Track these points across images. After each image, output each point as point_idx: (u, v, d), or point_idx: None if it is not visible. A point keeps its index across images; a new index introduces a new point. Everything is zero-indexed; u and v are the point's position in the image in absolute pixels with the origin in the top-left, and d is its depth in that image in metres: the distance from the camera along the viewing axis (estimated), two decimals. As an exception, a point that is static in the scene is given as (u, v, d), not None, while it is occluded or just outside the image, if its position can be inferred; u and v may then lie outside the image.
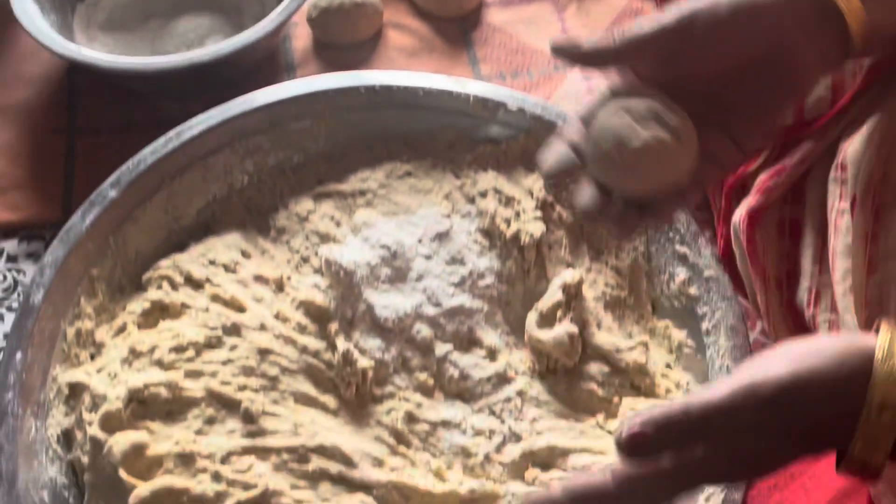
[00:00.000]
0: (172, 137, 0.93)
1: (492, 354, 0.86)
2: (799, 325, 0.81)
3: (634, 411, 0.81)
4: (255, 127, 0.96)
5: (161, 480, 0.74)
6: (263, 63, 1.14)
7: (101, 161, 1.04)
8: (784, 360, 0.55)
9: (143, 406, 0.78)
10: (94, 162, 1.05)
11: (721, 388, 0.55)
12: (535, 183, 0.95)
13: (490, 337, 0.87)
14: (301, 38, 1.19)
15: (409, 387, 0.84)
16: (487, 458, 0.80)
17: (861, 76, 0.77)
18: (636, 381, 0.84)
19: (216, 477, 0.74)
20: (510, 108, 0.98)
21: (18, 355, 0.80)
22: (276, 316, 0.85)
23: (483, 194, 0.94)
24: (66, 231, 0.87)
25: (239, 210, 0.95)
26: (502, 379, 0.84)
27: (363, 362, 0.83)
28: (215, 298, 0.86)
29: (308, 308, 0.86)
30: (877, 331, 0.55)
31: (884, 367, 0.52)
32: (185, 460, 0.75)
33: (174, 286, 0.87)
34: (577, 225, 0.95)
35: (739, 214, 0.82)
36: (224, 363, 0.81)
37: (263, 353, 0.82)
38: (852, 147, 0.75)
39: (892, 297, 0.65)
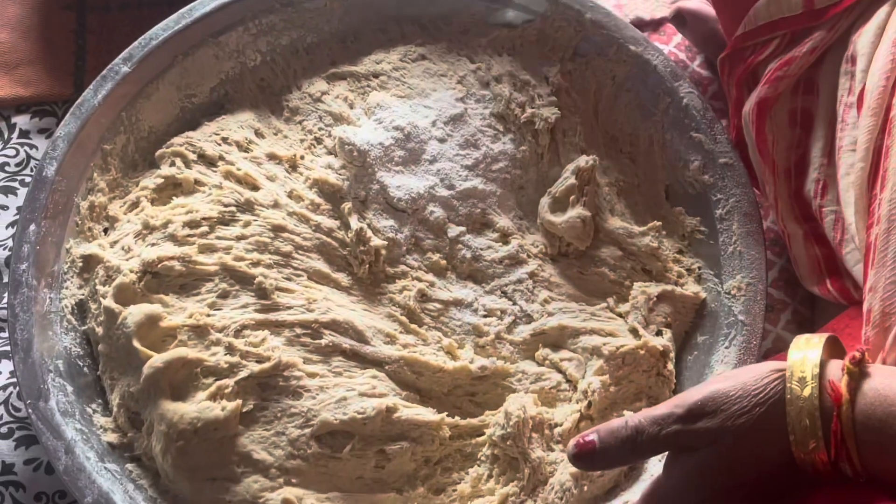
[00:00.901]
0: (185, 14, 0.92)
1: (504, 237, 0.87)
2: (807, 216, 0.81)
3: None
4: (268, 5, 0.95)
5: (175, 352, 0.74)
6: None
7: (113, 38, 1.03)
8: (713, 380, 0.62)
9: (156, 279, 0.79)
10: (105, 39, 1.04)
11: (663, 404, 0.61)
12: (551, 68, 0.94)
13: (503, 220, 0.87)
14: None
15: (421, 267, 0.84)
16: (498, 336, 0.81)
17: None
18: (648, 265, 0.85)
19: (229, 349, 0.75)
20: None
21: (32, 227, 0.80)
22: (290, 194, 0.85)
23: (498, 79, 0.93)
24: (78, 105, 0.86)
25: (252, 89, 0.95)
26: (515, 261, 0.85)
27: (376, 241, 0.83)
28: (228, 175, 0.86)
29: (321, 187, 0.86)
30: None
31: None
32: (199, 332, 0.76)
33: (187, 163, 0.87)
34: (592, 111, 0.94)
35: (749, 104, 0.81)
36: (238, 239, 0.81)
37: (277, 229, 0.82)
38: (862, 39, 0.73)
39: None
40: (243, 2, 0.94)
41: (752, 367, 0.61)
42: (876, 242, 0.65)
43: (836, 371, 0.57)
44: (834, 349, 0.60)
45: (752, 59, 0.82)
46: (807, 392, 0.56)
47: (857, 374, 0.56)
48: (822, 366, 0.57)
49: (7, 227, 0.94)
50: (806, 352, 0.58)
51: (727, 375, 0.61)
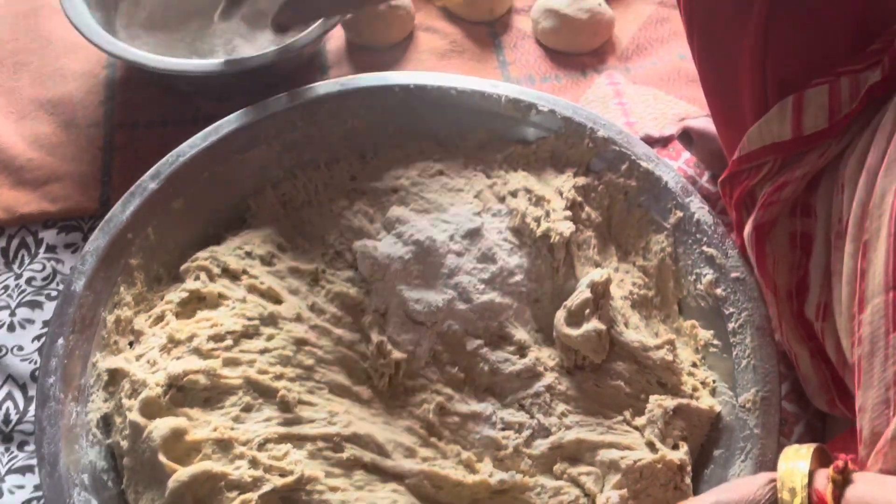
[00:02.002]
0: (211, 132, 0.95)
1: (521, 350, 0.88)
2: (810, 336, 0.83)
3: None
4: (292, 124, 0.98)
5: (200, 465, 0.75)
6: (301, 65, 1.16)
7: (138, 155, 1.06)
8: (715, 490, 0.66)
9: (181, 393, 0.80)
10: (130, 156, 1.07)
11: None
12: (565, 183, 0.97)
13: (520, 333, 0.89)
14: (335, 39, 1.22)
15: (440, 380, 0.86)
16: (517, 450, 0.82)
17: (858, 99, 0.77)
18: (663, 378, 0.86)
19: (253, 463, 0.76)
20: (541, 109, 1.00)
21: (60, 341, 0.81)
22: (312, 307, 0.87)
23: (514, 193, 0.96)
24: (107, 221, 0.89)
25: (274, 204, 0.97)
26: (532, 374, 0.86)
27: (396, 354, 0.84)
28: (252, 289, 0.88)
29: (343, 300, 0.88)
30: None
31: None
32: (223, 446, 0.77)
33: (211, 277, 0.89)
34: (605, 225, 0.97)
35: (749, 228, 0.84)
36: (261, 352, 0.83)
37: (300, 343, 0.84)
38: (849, 167, 0.76)
39: (880, 334, 0.66)
40: (269, 121, 0.97)
41: (750, 479, 0.64)
42: (860, 363, 0.67)
43: (823, 480, 0.61)
44: (822, 459, 0.64)
45: (748, 182, 0.85)
46: (796, 502, 0.60)
47: (842, 482, 0.60)
48: (811, 476, 0.61)
49: (33, 341, 0.96)
50: (795, 462, 0.62)
51: (728, 487, 0.65)
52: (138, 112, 1.12)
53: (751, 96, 0.85)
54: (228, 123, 0.96)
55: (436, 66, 1.20)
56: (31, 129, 1.10)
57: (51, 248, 1.01)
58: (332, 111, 1.00)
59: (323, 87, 1.00)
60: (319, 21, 1.09)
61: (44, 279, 0.99)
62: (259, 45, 1.18)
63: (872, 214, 0.70)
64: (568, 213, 0.94)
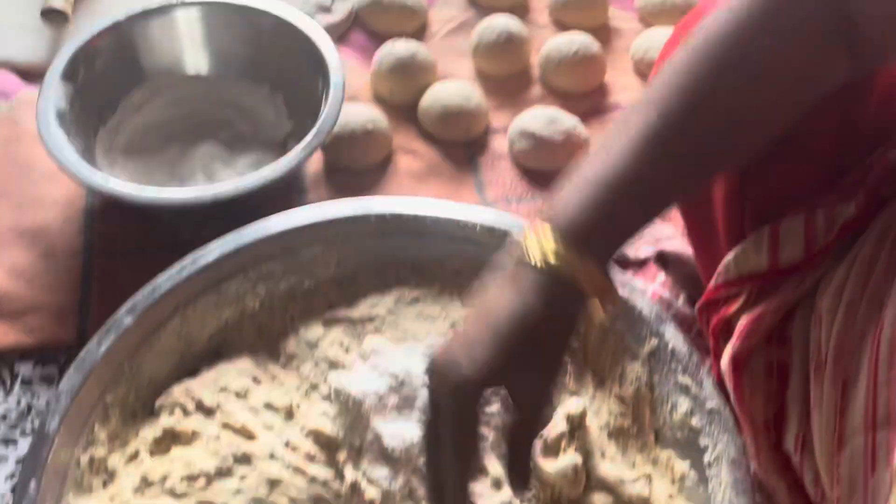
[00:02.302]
0: (188, 264, 0.96)
1: (497, 483, 0.87)
2: (788, 468, 0.83)
3: None
4: (269, 253, 0.99)
5: None
6: (280, 190, 1.17)
7: (117, 283, 1.06)
8: None
9: (154, 536, 0.79)
10: (109, 285, 1.08)
11: None
12: (540, 311, 0.97)
13: (495, 466, 0.88)
14: (314, 162, 1.23)
15: (415, 516, 0.85)
16: (493, 587, 0.81)
17: (834, 233, 0.79)
18: (639, 512, 0.85)
19: None
20: (516, 236, 1.00)
21: (32, 484, 0.81)
22: (286, 444, 0.87)
23: (488, 322, 0.96)
24: (82, 358, 0.88)
25: (250, 335, 0.97)
26: (508, 508, 0.85)
27: (371, 493, 0.84)
28: (226, 426, 0.87)
29: (317, 437, 0.87)
30: None
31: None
32: (196, 592, 0.76)
33: (186, 412, 0.89)
34: (582, 352, 0.97)
35: (725, 357, 0.84)
36: (234, 493, 0.82)
37: (273, 483, 0.83)
38: (825, 300, 0.77)
39: (860, 476, 0.67)
40: (245, 250, 0.98)
41: None
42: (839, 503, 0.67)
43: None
44: None
45: (725, 311, 0.85)
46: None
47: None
48: None
49: (6, 480, 0.95)
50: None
51: None
52: (117, 240, 1.13)
53: (727, 224, 0.86)
54: (205, 255, 0.97)
55: (413, 188, 1.21)
56: (10, 258, 1.10)
57: (26, 382, 1.01)
58: (308, 240, 1.00)
59: (300, 215, 1.01)
60: (300, 146, 1.11)
61: (18, 415, 0.99)
62: (238, 168, 1.19)
63: (852, 353, 0.71)
64: (544, 340, 0.94)
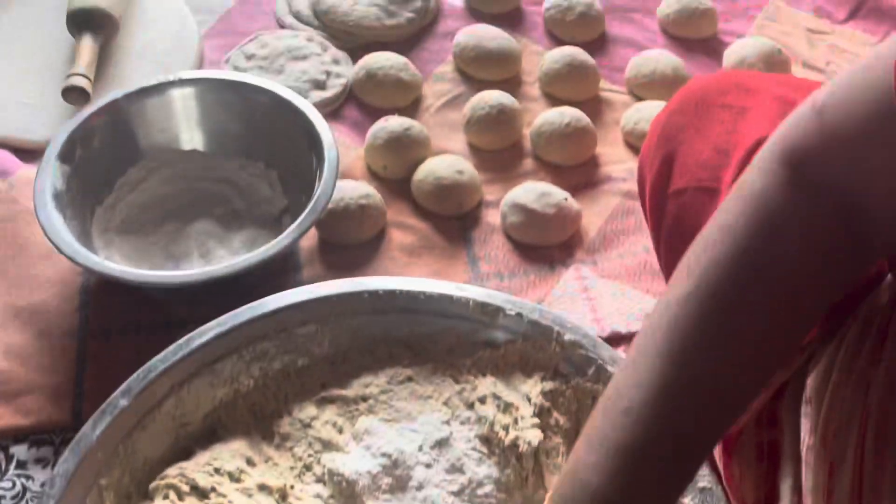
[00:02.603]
0: (182, 345, 0.96)
1: None
2: None
3: None
4: (263, 332, 0.99)
5: None
6: (275, 268, 1.19)
7: (112, 364, 1.07)
8: None
9: None
10: (104, 365, 1.08)
11: None
12: (533, 388, 0.97)
13: None
14: (308, 238, 1.24)
15: None
16: None
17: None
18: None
19: None
20: (508, 312, 1.01)
21: (26, 570, 0.81)
22: (280, 528, 0.87)
23: (482, 400, 0.97)
24: (77, 441, 0.89)
25: (244, 415, 0.98)
26: None
27: (364, 578, 0.84)
28: (220, 510, 0.87)
29: (311, 520, 0.87)
30: None
31: None
32: None
33: (180, 496, 0.89)
34: (574, 431, 0.97)
35: None
36: (228, 580, 0.82)
37: (267, 567, 0.83)
38: (814, 381, 0.77)
39: None
40: (240, 330, 0.99)
41: None
42: None
43: None
44: None
45: None
46: None
47: None
48: None
49: (-1, 565, 0.95)
50: None
51: None
52: (112, 319, 1.13)
53: None
54: (200, 335, 0.97)
55: (407, 263, 1.22)
56: (5, 338, 1.11)
57: (21, 464, 1.01)
58: (302, 319, 1.01)
59: (294, 294, 1.02)
60: (295, 224, 1.12)
61: (13, 497, 0.99)
62: (233, 247, 1.21)
63: (839, 436, 0.71)
64: (536, 420, 0.94)
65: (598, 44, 1.57)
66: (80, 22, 1.42)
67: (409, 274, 1.22)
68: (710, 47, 1.57)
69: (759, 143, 0.93)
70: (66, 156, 1.18)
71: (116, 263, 1.15)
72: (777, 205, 0.66)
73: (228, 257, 1.19)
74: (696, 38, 1.58)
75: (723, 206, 0.70)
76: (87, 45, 1.40)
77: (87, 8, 1.42)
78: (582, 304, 1.18)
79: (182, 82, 1.28)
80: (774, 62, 1.48)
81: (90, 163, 1.21)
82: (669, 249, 1.02)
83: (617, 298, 1.18)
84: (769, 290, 0.66)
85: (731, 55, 1.52)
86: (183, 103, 1.28)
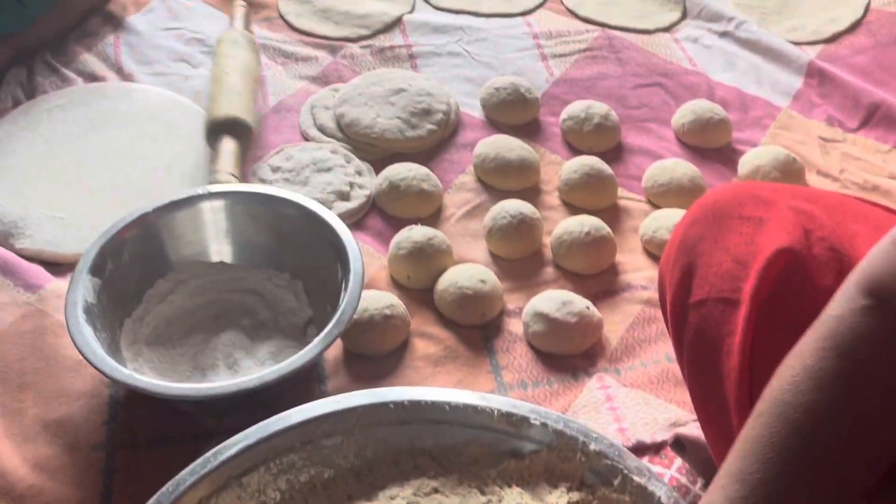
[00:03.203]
0: (210, 458, 0.97)
1: None
2: None
3: None
4: (289, 445, 1.00)
5: None
6: (300, 378, 1.20)
7: (139, 476, 1.07)
8: None
9: None
10: (132, 477, 1.09)
11: None
12: (560, 499, 0.97)
13: None
14: (332, 349, 1.26)
15: None
16: None
17: None
18: None
19: None
20: (533, 422, 1.02)
21: None
22: None
23: (508, 512, 0.97)
24: (105, 556, 0.89)
25: (273, 531, 0.98)
26: None
27: None
28: None
29: None
30: None
31: None
32: None
33: None
34: (601, 542, 0.97)
35: None
36: None
37: None
38: None
39: None
40: (266, 442, 0.99)
41: None
42: None
43: None
44: None
45: None
46: None
47: None
48: None
49: None
50: None
51: None
52: (140, 431, 1.14)
53: (738, 414, 0.87)
54: (227, 448, 0.98)
55: (431, 373, 1.23)
56: (34, 451, 1.11)
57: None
58: (327, 431, 1.01)
59: (319, 406, 1.02)
60: (321, 336, 1.13)
61: None
62: (259, 357, 1.22)
63: None
64: (563, 533, 0.94)
65: (614, 153, 1.60)
66: (221, 130, 1.49)
67: (432, 384, 1.22)
68: (724, 156, 1.60)
69: (777, 254, 0.95)
70: (96, 269, 1.20)
71: (145, 375, 1.17)
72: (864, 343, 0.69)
73: (255, 368, 1.20)
74: (710, 147, 1.61)
75: (807, 347, 0.72)
76: (230, 146, 1.46)
77: (229, 117, 1.50)
78: (606, 413, 1.18)
79: (211, 195, 1.30)
80: (789, 170, 1.50)
81: (120, 276, 1.23)
82: (692, 360, 1.02)
83: (641, 408, 1.18)
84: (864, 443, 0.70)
85: (745, 163, 1.54)
86: (212, 216, 1.31)
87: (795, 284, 0.94)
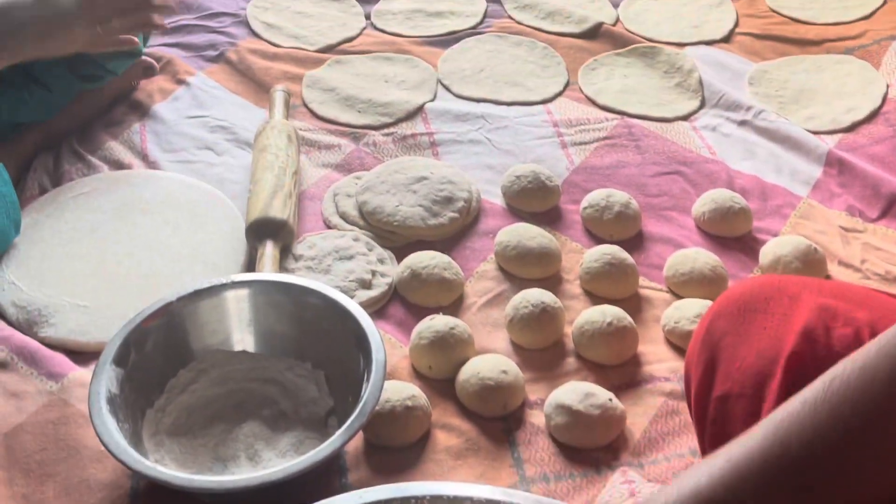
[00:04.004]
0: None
1: None
2: None
3: None
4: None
5: None
6: (321, 471, 1.19)
7: None
8: None
9: None
10: None
11: None
12: None
13: None
14: (353, 440, 1.25)
15: None
16: None
17: None
18: None
19: None
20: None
21: None
22: None
23: None
24: None
25: None
26: None
27: None
28: None
29: None
30: None
31: None
32: None
33: None
34: None
35: None
36: None
37: None
38: None
39: None
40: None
41: None
42: None
43: None
44: None
45: None
46: None
47: None
48: None
49: None
50: None
51: None
52: (161, 523, 1.14)
53: None
54: (249, 545, 0.98)
55: (452, 466, 1.23)
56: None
57: None
58: (350, 527, 1.01)
59: (341, 501, 1.02)
60: (343, 428, 1.13)
61: None
62: (280, 448, 1.21)
63: None
64: None
65: (635, 241, 1.61)
66: (265, 230, 1.50)
67: (454, 477, 1.22)
68: (745, 245, 1.60)
69: (796, 353, 0.95)
70: (120, 359, 1.20)
71: (167, 466, 1.16)
72: None
73: (276, 459, 1.20)
74: (731, 235, 1.62)
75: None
76: (270, 251, 1.46)
77: (276, 220, 1.50)
78: (629, 509, 1.17)
79: (235, 284, 1.31)
80: (811, 260, 1.50)
81: (143, 365, 1.23)
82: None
83: None
84: None
85: (767, 253, 1.55)
86: (236, 305, 1.31)
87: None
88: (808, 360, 0.95)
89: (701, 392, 1.04)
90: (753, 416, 0.95)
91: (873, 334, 0.96)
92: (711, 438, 1.01)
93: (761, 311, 1.02)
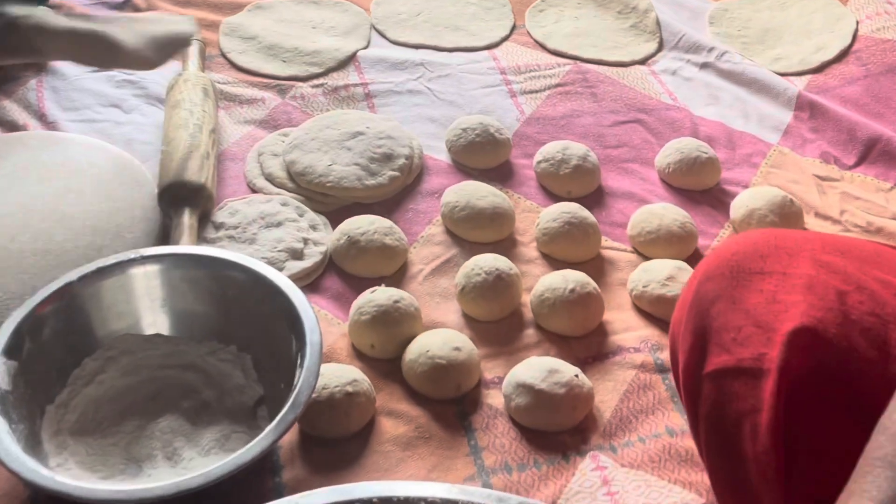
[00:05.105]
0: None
1: None
2: None
3: None
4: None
5: None
6: (252, 471, 1.04)
7: None
8: None
9: None
10: None
11: None
12: None
13: None
14: (287, 434, 1.09)
15: None
16: None
17: None
18: None
19: None
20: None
21: None
22: None
23: None
24: None
25: None
26: None
27: None
28: None
29: None
30: None
31: None
32: None
33: None
34: None
35: None
36: None
37: None
38: None
39: None
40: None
41: None
42: None
43: None
44: None
45: None
46: None
47: None
48: None
49: None
50: None
51: None
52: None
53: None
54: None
55: (401, 458, 1.08)
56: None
57: None
58: (285, 542, 0.86)
59: (275, 510, 0.88)
60: (274, 422, 0.98)
61: None
62: (203, 445, 1.07)
63: None
64: None
65: (595, 198, 1.47)
66: (181, 196, 1.34)
67: (403, 469, 1.08)
68: (714, 198, 1.48)
69: (808, 326, 0.82)
70: (12, 350, 1.04)
71: (71, 471, 1.01)
72: None
73: (198, 459, 1.05)
74: (698, 188, 1.49)
75: None
76: (186, 220, 1.31)
77: (193, 184, 1.35)
78: (603, 499, 1.03)
79: (144, 259, 1.15)
80: (787, 213, 1.38)
81: (40, 356, 1.07)
82: (710, 440, 0.91)
83: (642, 492, 1.04)
84: None
85: (738, 207, 1.42)
86: (145, 283, 1.16)
87: (832, 358, 0.82)
88: (816, 336, 0.82)
89: (691, 366, 0.92)
90: (754, 395, 0.83)
91: (890, 296, 0.84)
92: (705, 421, 0.90)
93: (756, 271, 0.90)
